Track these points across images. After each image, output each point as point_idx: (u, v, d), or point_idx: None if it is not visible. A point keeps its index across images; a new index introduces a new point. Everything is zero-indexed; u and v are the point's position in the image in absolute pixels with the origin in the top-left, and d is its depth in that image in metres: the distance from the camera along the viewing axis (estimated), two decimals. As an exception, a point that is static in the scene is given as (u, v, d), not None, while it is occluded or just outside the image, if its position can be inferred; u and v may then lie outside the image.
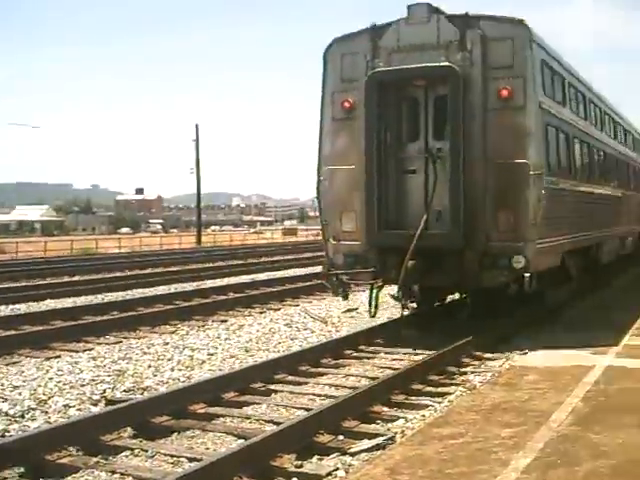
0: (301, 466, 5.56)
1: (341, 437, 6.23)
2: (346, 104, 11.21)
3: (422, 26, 10.87)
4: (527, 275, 10.18)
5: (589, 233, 14.03)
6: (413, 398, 7.58)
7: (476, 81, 10.52)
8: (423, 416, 6.87)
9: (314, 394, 7.85)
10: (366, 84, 10.83)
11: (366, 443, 6.01)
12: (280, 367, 8.71)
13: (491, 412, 6.50)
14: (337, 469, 5.52)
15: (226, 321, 12.69)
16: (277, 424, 6.58)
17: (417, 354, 9.65)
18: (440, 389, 7.99)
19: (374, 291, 10.96)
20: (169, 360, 9.42)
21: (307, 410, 7.06)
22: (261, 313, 13.80)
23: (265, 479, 5.36)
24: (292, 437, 5.88)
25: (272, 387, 8.08)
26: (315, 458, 5.79)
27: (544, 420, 6.15)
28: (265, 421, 6.83)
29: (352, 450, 5.90)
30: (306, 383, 8.37)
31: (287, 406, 7.35)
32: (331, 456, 5.88)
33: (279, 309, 14.27)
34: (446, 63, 10.56)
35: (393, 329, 11.15)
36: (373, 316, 11.18)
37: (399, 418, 6.83)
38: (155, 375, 8.60)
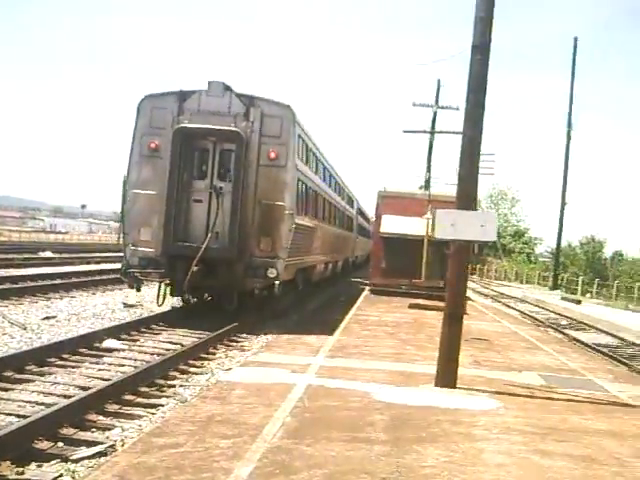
0: (23, 472, 5.45)
1: (60, 444, 6.18)
2: (152, 145, 14.69)
3: (218, 98, 14.77)
4: (277, 282, 14.67)
5: (313, 257, 19.74)
6: (126, 408, 7.66)
7: (254, 143, 14.63)
8: (140, 426, 7.00)
9: (23, 401, 7.58)
10: (173, 134, 14.46)
11: (88, 450, 6.03)
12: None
13: (207, 424, 6.78)
14: (61, 475, 5.49)
15: None
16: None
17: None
18: (152, 400, 8.15)
19: (162, 287, 14.84)
20: None
21: (19, 417, 6.86)
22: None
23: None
24: (9, 444, 5.70)
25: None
26: (34, 465, 5.69)
27: (258, 433, 6.57)
28: (-26, 427, 6.50)
29: (74, 457, 5.89)
30: (12, 389, 8.04)
31: (-2, 413, 7.05)
32: (52, 462, 5.82)
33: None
34: (235, 128, 14.50)
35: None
36: (160, 305, 14.82)
37: (115, 427, 6.90)
38: None
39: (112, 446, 6.20)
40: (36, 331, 11.84)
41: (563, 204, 46.70)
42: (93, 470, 5.31)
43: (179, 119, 14.65)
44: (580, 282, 46.11)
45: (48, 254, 35.71)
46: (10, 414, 7.00)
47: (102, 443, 6.26)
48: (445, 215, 9.36)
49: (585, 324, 25.16)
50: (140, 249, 14.69)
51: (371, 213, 48.30)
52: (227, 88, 14.87)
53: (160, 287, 14.81)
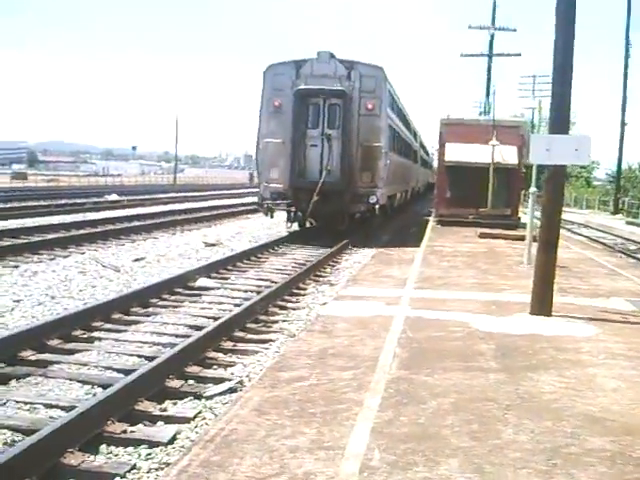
0: (165, 409, 5.72)
1: (191, 382, 6.46)
2: (276, 103, 18.99)
3: (326, 64, 18.89)
4: (377, 206, 19.44)
5: (397, 186, 25.44)
6: (241, 345, 7.93)
7: (355, 98, 18.77)
8: (259, 361, 7.26)
9: (140, 341, 7.88)
10: (294, 95, 18.59)
11: (219, 387, 6.28)
12: (97, 314, 8.62)
13: (322, 357, 6.98)
14: (200, 412, 5.76)
15: (18, 267, 12.11)
16: (119, 371, 6.67)
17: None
18: (261, 336, 8.41)
19: (291, 214, 19.44)
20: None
21: (142, 357, 7.18)
22: (51, 260, 13.29)
23: (134, 423, 5.44)
24: (146, 383, 5.98)
25: (95, 334, 8.01)
26: (169, 402, 5.98)
27: (374, 364, 6.76)
28: (104, 367, 6.83)
29: (207, 394, 6.14)
30: (125, 331, 8.36)
31: (119, 353, 7.36)
32: (185, 400, 6.09)
33: (68, 256, 13.81)
34: (340, 87, 18.67)
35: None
36: (290, 227, 19.69)
37: (236, 364, 7.17)
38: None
39: (240, 382, 6.44)
40: (130, 273, 12.21)
41: (623, 125, 45.46)
42: (231, 406, 5.52)
43: (296, 82, 18.80)
44: (643, 205, 45.26)
45: (114, 197, 36.31)
46: (132, 354, 7.30)
47: (230, 380, 6.51)
48: (539, 140, 9.32)
49: (657, 248, 24.86)
50: (271, 185, 19.05)
51: (429, 142, 48.85)
52: (332, 56, 19.07)
53: (290, 214, 19.52)
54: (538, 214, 10.69)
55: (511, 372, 6.67)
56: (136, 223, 20.87)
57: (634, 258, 20.62)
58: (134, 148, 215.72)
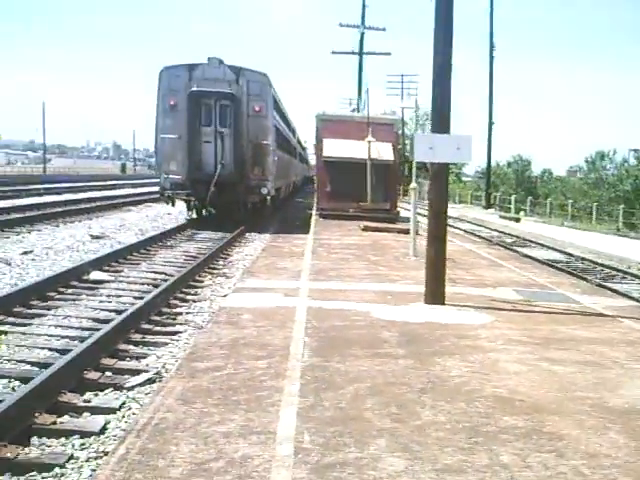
0: (90, 401, 5.71)
1: (108, 373, 6.44)
2: (172, 102, 20.87)
3: (216, 69, 21.08)
4: (268, 197, 22.41)
5: (282, 180, 28.81)
6: (149, 337, 7.93)
7: (244, 101, 21.27)
8: (171, 352, 7.29)
9: (47, 335, 7.75)
10: (188, 96, 20.72)
11: (138, 378, 6.30)
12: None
13: (234, 347, 7.09)
14: (124, 403, 5.77)
15: None
16: (33, 364, 6.58)
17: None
18: (168, 328, 8.44)
19: (190, 203, 21.78)
20: None
21: (54, 350, 7.09)
22: None
23: (61, 415, 5.40)
24: (64, 376, 5.93)
25: (-2, 328, 7.82)
26: (90, 394, 5.95)
27: (286, 353, 6.93)
28: (17, 361, 6.71)
29: (128, 385, 6.15)
30: (30, 324, 8.19)
31: (29, 346, 7.23)
32: (106, 391, 6.08)
33: (-49, 249, 13.26)
34: (229, 90, 21.03)
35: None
36: (189, 217, 22.32)
37: (149, 355, 7.18)
38: None
39: (158, 373, 6.48)
40: (21, 266, 11.87)
41: (490, 124, 47.66)
42: (154, 396, 5.55)
43: (189, 84, 20.80)
44: (513, 200, 47.57)
45: (-15, 188, 34.69)
46: (43, 348, 7.19)
47: (146, 371, 6.53)
48: (423, 139, 9.75)
49: (530, 241, 26.27)
50: (171, 176, 21.07)
51: (305, 137, 50.03)
52: (221, 62, 21.23)
53: (189, 203, 21.91)
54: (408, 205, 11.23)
55: (418, 358, 7.00)
56: (17, 215, 20.15)
57: (512, 250, 21.71)
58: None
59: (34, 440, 4.93)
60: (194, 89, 20.64)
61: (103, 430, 5.17)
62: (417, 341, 7.74)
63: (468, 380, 6.34)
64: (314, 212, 29.26)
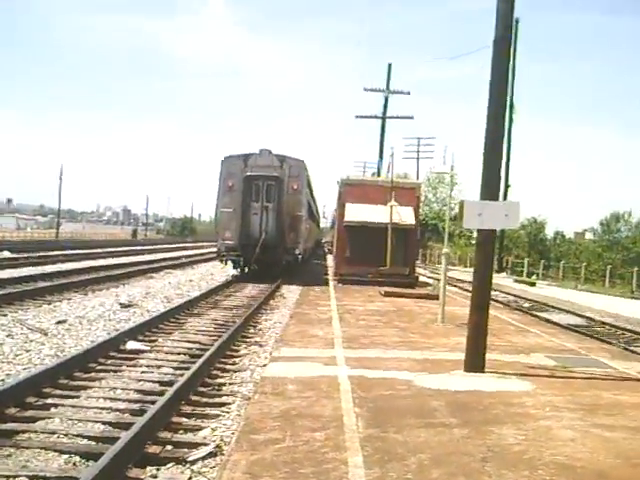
0: (156, 476, 5.74)
1: (168, 447, 6.48)
2: (230, 183, 26.72)
3: (265, 157, 26.95)
4: (300, 256, 28.10)
5: (309, 243, 35.96)
6: (200, 409, 7.96)
7: (285, 181, 26.93)
8: (225, 425, 7.33)
9: (98, 407, 7.79)
10: (243, 179, 26.69)
11: (200, 452, 6.32)
12: (43, 381, 8.46)
13: (287, 419, 7.13)
14: (191, 477, 5.80)
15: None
16: (90, 438, 6.61)
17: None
18: (216, 399, 8.47)
19: (239, 262, 27.46)
20: None
21: (106, 424, 7.13)
22: (-30, 324, 12.82)
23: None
24: (128, 451, 5.96)
25: (49, 401, 7.87)
26: (152, 469, 5.99)
27: (340, 424, 6.97)
28: (74, 435, 6.72)
29: (190, 459, 6.18)
30: (77, 397, 8.22)
31: (82, 420, 7.26)
32: (168, 465, 6.12)
33: (-14, 319, 13.37)
34: (275, 174, 26.83)
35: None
36: (241, 273, 27.89)
37: (203, 427, 7.21)
38: None
39: (218, 446, 6.51)
40: (58, 336, 11.94)
41: (507, 186, 47.94)
42: (221, 470, 5.60)
43: (244, 170, 26.71)
44: (526, 264, 47.62)
45: (7, 254, 34.92)
46: (96, 421, 7.23)
47: (206, 444, 6.56)
48: (471, 205, 9.88)
49: (548, 305, 26.28)
50: (226, 242, 26.88)
51: (322, 200, 52.08)
52: (270, 152, 27.11)
53: (237, 262, 27.67)
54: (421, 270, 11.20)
55: (472, 427, 7.04)
56: (45, 283, 20.30)
57: (532, 315, 21.71)
58: (9, 200, 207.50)
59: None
60: (248, 174, 26.65)
61: (177, 507, 5.19)
62: (466, 410, 7.78)
63: (526, 448, 6.39)
64: (330, 277, 29.41)
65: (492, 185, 10.00)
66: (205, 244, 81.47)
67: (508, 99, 47.91)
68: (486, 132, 9.92)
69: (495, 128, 9.89)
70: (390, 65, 43.45)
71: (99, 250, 46.95)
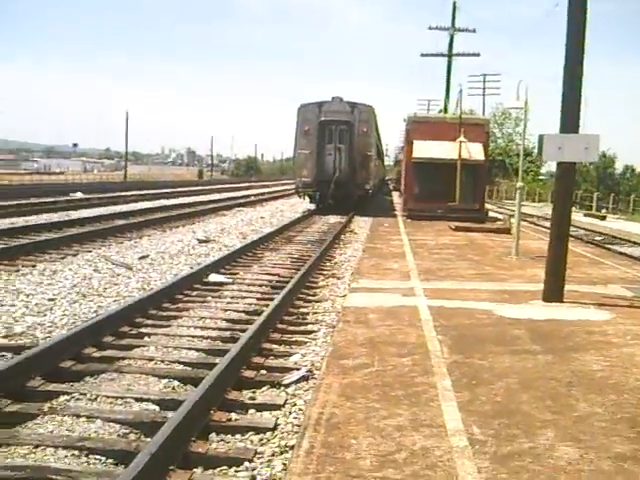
0: (254, 398, 6.03)
1: (263, 372, 6.77)
2: (306, 128, 29.50)
3: (337, 104, 29.65)
4: (370, 191, 31.69)
5: (377, 179, 41.87)
6: (287, 336, 8.25)
7: (356, 125, 29.53)
8: (314, 351, 7.59)
9: (190, 336, 8.12)
10: (318, 124, 29.31)
11: (293, 375, 6.59)
12: (137, 310, 8.85)
13: (373, 345, 7.35)
14: (287, 400, 6.08)
15: (35, 266, 12.19)
16: (186, 364, 6.95)
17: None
18: (302, 327, 8.75)
19: (315, 196, 30.34)
20: (12, 306, 9.05)
21: (199, 350, 7.46)
22: (62, 259, 13.37)
23: (229, 412, 5.70)
24: (226, 375, 6.22)
25: (142, 330, 8.24)
26: (249, 392, 6.27)
27: (425, 351, 7.16)
28: (170, 362, 7.06)
29: (285, 382, 6.46)
30: (169, 326, 8.58)
31: (177, 347, 7.60)
32: (263, 389, 6.40)
33: (76, 254, 13.91)
34: (347, 119, 29.45)
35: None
36: (317, 207, 30.32)
37: (293, 354, 7.49)
38: (17, 321, 8.30)
39: (310, 371, 6.76)
40: (142, 271, 12.38)
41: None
42: (315, 392, 5.84)
43: (319, 115, 29.54)
44: (595, 198, 46.73)
45: (80, 195, 35.89)
46: (190, 348, 7.55)
47: (297, 369, 6.82)
48: (552, 139, 9.80)
49: (620, 238, 25.89)
50: (303, 179, 30.12)
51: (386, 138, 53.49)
52: (341, 100, 29.92)
53: (314, 197, 30.70)
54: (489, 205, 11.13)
55: (555, 354, 7.16)
56: (123, 222, 20.93)
57: (605, 248, 21.44)
58: (75, 145, 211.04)
59: (212, 437, 5.24)
60: (322, 119, 29.52)
61: (276, 426, 5.46)
62: (548, 337, 7.89)
63: (610, 374, 6.49)
64: (400, 213, 29.44)
65: (572, 118, 9.89)
66: (269, 183, 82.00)
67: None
68: (565, 66, 9.79)
69: (574, 60, 9.74)
70: (455, 3, 42.33)
71: (169, 190, 47.79)
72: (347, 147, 29.57)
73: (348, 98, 29.70)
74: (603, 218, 36.85)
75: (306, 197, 31.37)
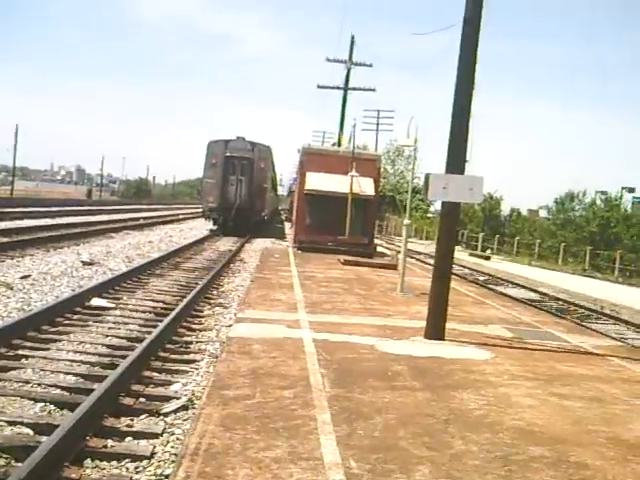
0: (132, 426, 5.90)
1: (142, 399, 6.64)
2: (213, 161, 35.58)
3: (241, 142, 36.00)
4: (266, 217, 40.49)
5: (271, 208, 49.34)
6: (169, 364, 8.13)
7: (256, 161, 36.07)
8: (195, 380, 7.51)
9: (69, 360, 7.88)
10: (224, 158, 35.48)
11: (172, 404, 6.50)
12: (15, 332, 8.53)
13: (256, 377, 7.31)
14: (165, 428, 5.98)
15: None
16: (63, 388, 6.75)
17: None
18: (185, 357, 8.64)
19: (218, 220, 35.89)
20: None
21: (78, 375, 7.26)
22: None
23: (105, 438, 5.56)
24: (105, 400, 6.09)
25: (20, 352, 7.96)
26: (126, 419, 6.14)
27: (307, 384, 7.17)
28: (48, 385, 6.84)
29: (164, 411, 6.35)
30: (48, 349, 8.31)
31: (54, 371, 7.37)
32: (141, 417, 6.27)
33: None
34: (248, 155, 35.87)
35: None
36: (218, 229, 35.48)
37: (174, 382, 7.38)
38: None
39: (190, 400, 6.68)
40: (23, 291, 11.96)
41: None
42: (194, 422, 5.76)
43: (225, 151, 35.38)
44: (480, 238, 48.40)
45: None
46: (68, 373, 7.35)
47: (177, 398, 6.73)
48: (437, 178, 10.10)
49: (503, 279, 26.88)
50: (209, 205, 35.84)
51: (280, 168, 56.13)
52: (244, 139, 35.88)
53: (216, 220, 35.98)
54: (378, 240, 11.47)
55: (434, 391, 7.32)
56: (5, 239, 20.12)
57: (488, 288, 22.20)
58: None
59: (87, 462, 5.10)
60: (228, 154, 35.46)
61: (152, 454, 5.36)
62: (428, 374, 8.07)
63: (487, 413, 6.68)
64: (290, 244, 29.59)
65: (457, 159, 10.23)
66: (160, 207, 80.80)
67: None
68: (454, 105, 10.13)
69: (464, 96, 10.08)
70: (353, 37, 43.30)
71: (56, 209, 46.33)
72: (247, 179, 35.67)
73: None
74: (487, 258, 38.20)
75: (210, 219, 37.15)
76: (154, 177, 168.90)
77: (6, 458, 4.99)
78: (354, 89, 43.27)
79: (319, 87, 43.16)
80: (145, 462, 5.21)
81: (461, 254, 39.76)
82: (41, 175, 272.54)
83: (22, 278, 13.11)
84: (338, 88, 43.23)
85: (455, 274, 26.78)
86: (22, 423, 5.65)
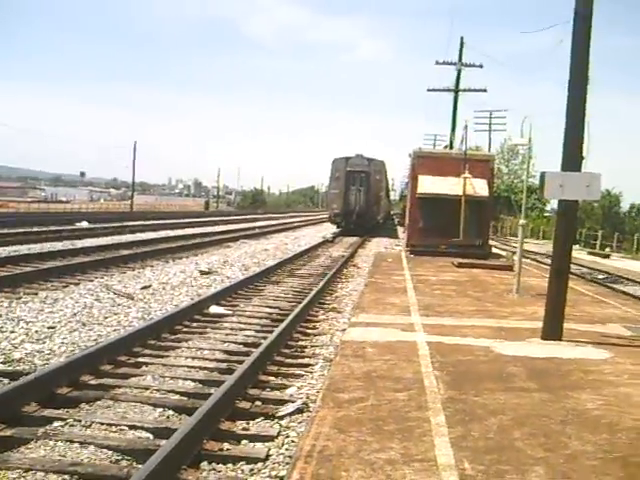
0: (247, 429, 6.05)
1: (258, 403, 6.79)
2: (337, 175, 43.92)
3: (359, 159, 44.24)
4: (380, 221, 50.06)
5: (385, 212, 56.71)
6: (284, 369, 8.28)
7: (372, 174, 44.20)
8: (310, 384, 7.62)
9: (187, 366, 8.17)
10: (346, 172, 43.61)
11: (288, 408, 6.62)
12: (136, 340, 8.90)
13: (370, 379, 7.36)
14: (280, 431, 6.10)
15: (37, 294, 12.26)
16: (182, 394, 6.98)
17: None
18: (299, 360, 8.77)
19: (341, 223, 44.94)
20: (12, 332, 9.11)
21: (196, 381, 7.49)
22: (64, 287, 13.45)
23: (221, 441, 5.73)
24: (221, 405, 6.27)
25: (140, 360, 8.28)
26: (242, 423, 6.29)
27: (421, 386, 7.16)
28: (166, 391, 7.10)
29: (280, 414, 6.48)
30: (167, 356, 8.63)
31: (173, 377, 7.63)
32: (257, 420, 6.42)
33: (78, 284, 13.99)
34: (366, 169, 44.00)
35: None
36: (341, 231, 43.44)
37: (289, 386, 7.51)
38: (16, 347, 8.35)
39: (305, 403, 6.79)
40: (144, 300, 12.45)
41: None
42: (308, 424, 5.85)
43: (346, 167, 43.20)
44: (599, 236, 46.77)
45: (85, 224, 36.04)
46: (187, 379, 7.60)
47: (293, 401, 6.85)
48: (553, 176, 9.88)
49: (623, 277, 25.87)
50: (334, 211, 44.66)
51: (392, 172, 59.49)
52: (362, 156, 43.91)
53: (339, 224, 44.31)
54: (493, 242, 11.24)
55: (551, 391, 7.16)
56: (127, 251, 21.02)
57: (607, 287, 21.45)
58: (82, 174, 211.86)
59: (204, 465, 5.27)
60: (349, 169, 43.05)
61: (267, 456, 5.48)
62: (545, 375, 7.89)
63: (605, 413, 6.48)
64: (402, 247, 29.48)
65: (574, 156, 9.97)
66: (275, 215, 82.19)
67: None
68: (568, 102, 9.89)
69: (578, 97, 9.85)
70: (462, 38, 42.73)
71: (174, 221, 48.00)
72: (365, 189, 43.33)
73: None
74: (607, 257, 36.92)
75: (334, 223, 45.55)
76: (269, 187, 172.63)
77: (128, 460, 5.22)
78: (465, 90, 42.70)
79: (429, 90, 42.94)
80: (260, 464, 5.34)
81: (579, 253, 38.56)
82: (160, 189, 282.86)
83: (143, 289, 13.65)
84: (448, 90, 42.87)
85: (573, 273, 26.09)
86: (142, 427, 5.89)
